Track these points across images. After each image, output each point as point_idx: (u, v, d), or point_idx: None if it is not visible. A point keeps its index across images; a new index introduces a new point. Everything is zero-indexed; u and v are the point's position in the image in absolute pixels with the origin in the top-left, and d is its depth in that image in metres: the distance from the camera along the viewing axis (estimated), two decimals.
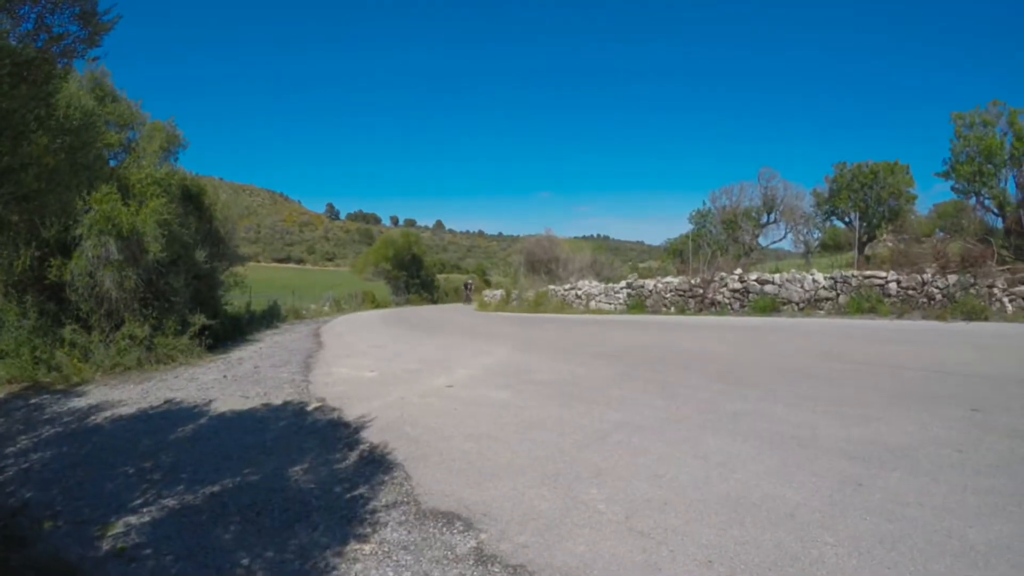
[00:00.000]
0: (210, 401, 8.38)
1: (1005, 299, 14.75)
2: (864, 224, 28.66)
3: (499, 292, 34.15)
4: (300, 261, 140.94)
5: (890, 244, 23.85)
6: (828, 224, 33.30)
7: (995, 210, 21.70)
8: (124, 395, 9.23)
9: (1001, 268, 15.62)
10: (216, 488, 4.87)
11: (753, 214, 33.62)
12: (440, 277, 58.68)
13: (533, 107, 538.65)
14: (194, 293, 13.84)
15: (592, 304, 25.01)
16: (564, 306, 25.99)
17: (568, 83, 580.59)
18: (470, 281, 47.48)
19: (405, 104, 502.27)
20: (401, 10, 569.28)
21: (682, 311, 21.41)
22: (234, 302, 19.79)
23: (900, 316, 15.58)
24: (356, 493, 4.60)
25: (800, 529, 3.57)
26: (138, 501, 4.73)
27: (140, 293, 11.99)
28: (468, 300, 43.41)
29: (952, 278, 15.61)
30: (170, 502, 4.67)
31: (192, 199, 15.55)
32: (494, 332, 16.63)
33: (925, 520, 3.61)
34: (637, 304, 23.14)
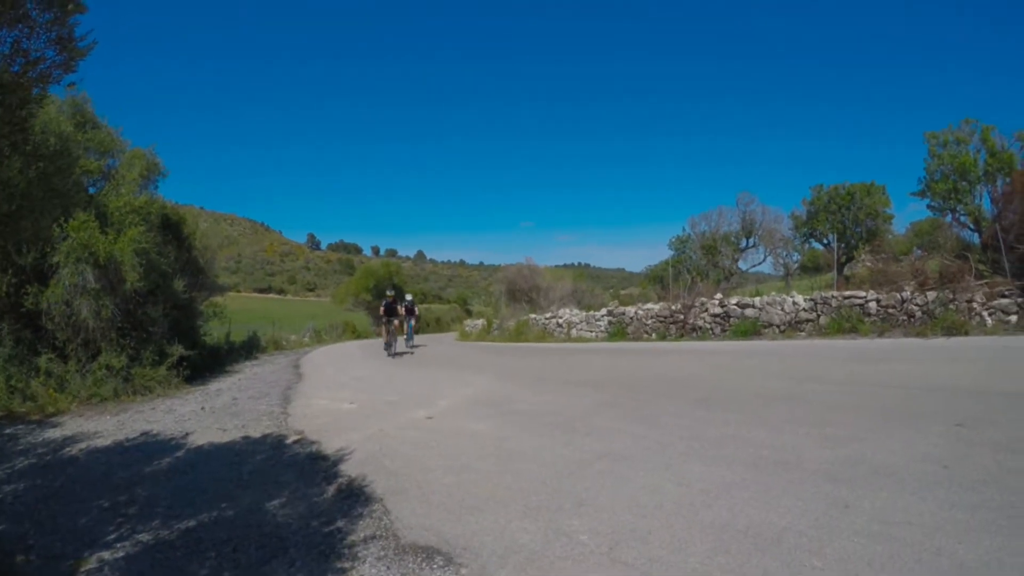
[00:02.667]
0: (187, 434, 8.29)
1: (984, 313, 14.90)
2: (842, 245, 28.92)
3: (480, 321, 34.04)
4: (281, 291, 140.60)
5: (868, 264, 23.97)
6: (807, 246, 33.55)
7: (971, 226, 21.96)
8: (100, 426, 9.14)
9: (979, 282, 15.78)
10: (192, 523, 4.81)
11: (732, 238, 33.81)
12: (421, 307, 58.56)
13: (514, 135, 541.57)
14: (172, 323, 13.72)
15: (573, 332, 24.99)
16: (545, 335, 25.96)
17: (546, 104, 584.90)
18: (390, 294, 23.52)
19: (386, 134, 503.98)
20: (382, 39, 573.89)
21: (663, 337, 21.43)
22: (213, 333, 19.64)
23: (881, 335, 15.67)
24: (334, 527, 4.55)
25: (787, 554, 3.56)
26: (112, 536, 4.66)
27: (117, 323, 11.90)
28: (389, 334, 21.82)
29: (931, 295, 15.74)
30: (144, 537, 4.61)
31: (171, 228, 15.48)
32: (475, 362, 16.56)
33: (914, 539, 3.62)
34: (618, 331, 23.16)
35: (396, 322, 22.04)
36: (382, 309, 22.02)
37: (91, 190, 13.72)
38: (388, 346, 20.69)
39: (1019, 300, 14.66)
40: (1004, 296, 14.92)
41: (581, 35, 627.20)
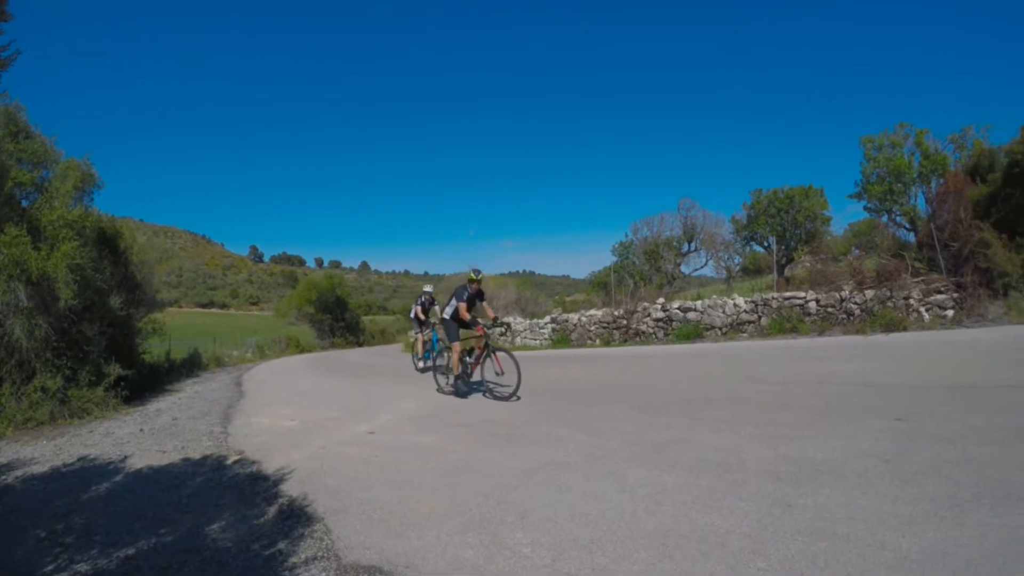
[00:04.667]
0: (125, 457, 8.11)
1: (922, 309, 15.42)
2: (782, 247, 29.57)
3: None
4: (224, 305, 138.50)
5: (808, 265, 24.60)
6: (748, 249, 34.20)
7: (907, 226, 22.83)
8: (36, 452, 8.88)
9: (916, 280, 16.37)
10: (131, 551, 4.73)
11: (674, 243, 34.28)
12: (366, 319, 58.16)
13: (458, 146, 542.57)
14: (109, 342, 13.37)
15: (518, 340, 25.03)
16: None
17: (489, 115, 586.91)
18: (428, 291, 21.31)
19: (330, 147, 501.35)
20: (321, 47, 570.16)
21: (607, 343, 21.64)
22: (153, 350, 19.21)
23: (821, 333, 16.07)
24: (275, 550, 4.52)
25: (731, 557, 3.61)
26: (49, 567, 4.57)
27: (52, 342, 11.56)
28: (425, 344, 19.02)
29: (869, 293, 16.26)
30: (82, 567, 4.52)
31: (107, 242, 15.09)
32: (418, 374, 16.45)
33: (857, 535, 3.70)
34: (562, 338, 23.28)
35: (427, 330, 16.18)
36: (419, 309, 16.04)
37: (24, 203, 13.33)
38: (442, 369, 12.38)
39: (955, 295, 15.22)
40: (940, 292, 15.48)
41: (520, 47, 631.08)
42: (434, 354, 15.34)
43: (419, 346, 16.67)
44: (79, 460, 8.15)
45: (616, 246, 36.02)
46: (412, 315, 16.54)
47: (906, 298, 15.79)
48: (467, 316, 11.03)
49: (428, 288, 16.99)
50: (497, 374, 10.45)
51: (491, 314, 11.37)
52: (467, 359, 11.22)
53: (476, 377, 11.40)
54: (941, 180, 20.74)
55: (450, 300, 11.49)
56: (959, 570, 3.19)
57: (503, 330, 13.04)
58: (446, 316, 11.43)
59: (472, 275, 11.34)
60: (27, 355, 11.28)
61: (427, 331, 15.96)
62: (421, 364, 16.55)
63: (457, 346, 11.10)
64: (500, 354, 10.66)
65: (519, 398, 9.94)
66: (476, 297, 11.44)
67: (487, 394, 10.84)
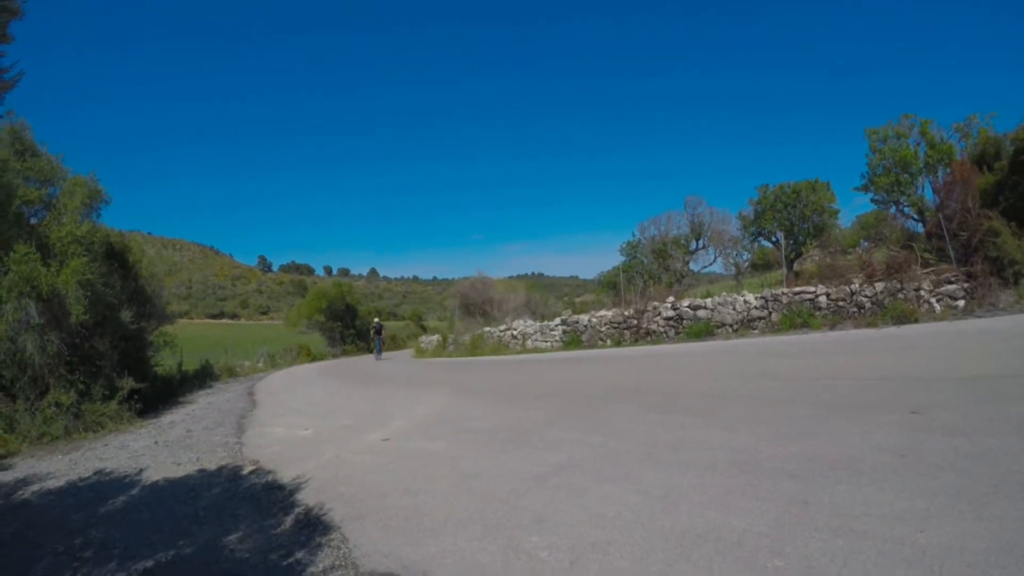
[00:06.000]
0: (141, 470, 8.13)
1: (933, 300, 15.35)
2: (791, 241, 29.58)
3: (435, 337, 33.91)
4: (234, 316, 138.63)
5: (817, 258, 24.59)
6: (756, 245, 34.24)
7: (915, 216, 22.78)
8: (52, 467, 8.91)
9: (926, 271, 16.30)
10: (149, 563, 4.73)
11: (682, 241, 34.39)
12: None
13: (463, 156, 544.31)
14: (121, 356, 13.44)
15: (528, 343, 25.03)
16: (501, 347, 25.95)
17: (489, 124, 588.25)
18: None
19: (337, 155, 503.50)
20: (326, 60, 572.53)
21: (618, 343, 21.63)
22: (165, 363, 19.29)
23: (832, 328, 16.01)
24: (293, 559, 4.51)
25: (749, 557, 3.55)
26: None
27: (65, 358, 11.62)
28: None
29: (879, 285, 16.19)
30: None
31: (116, 256, 15.17)
32: (430, 379, 16.45)
33: (875, 531, 3.64)
34: (573, 340, 23.26)
35: None
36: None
37: (32, 220, 13.38)
38: None
39: (965, 285, 15.14)
40: (950, 282, 15.42)
41: (527, 55, 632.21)
42: None
43: None
44: (95, 474, 8.18)
45: (624, 246, 36.12)
46: None
47: (917, 289, 15.72)
48: None
49: None
50: None
51: None
52: None
53: None
54: (947, 170, 20.70)
55: None
56: (978, 564, 3.13)
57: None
58: None
59: None
60: (40, 371, 11.33)
61: None
62: None
63: None
64: None
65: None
66: None
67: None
